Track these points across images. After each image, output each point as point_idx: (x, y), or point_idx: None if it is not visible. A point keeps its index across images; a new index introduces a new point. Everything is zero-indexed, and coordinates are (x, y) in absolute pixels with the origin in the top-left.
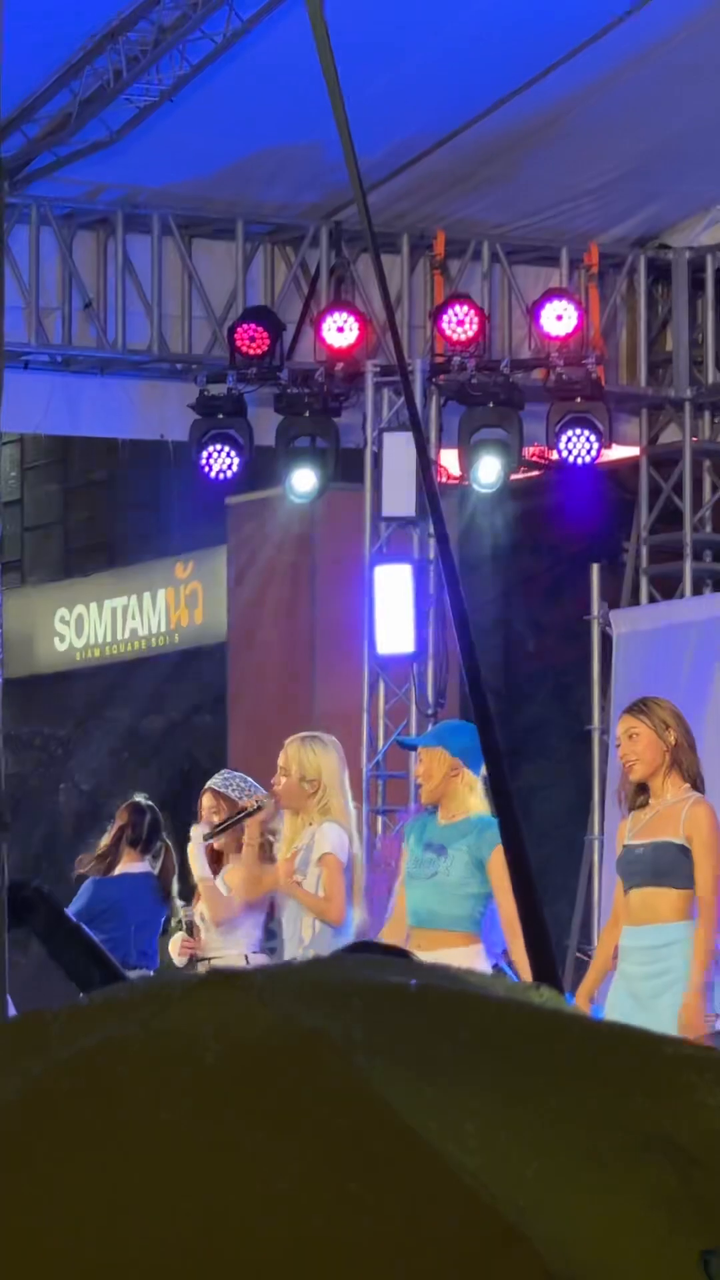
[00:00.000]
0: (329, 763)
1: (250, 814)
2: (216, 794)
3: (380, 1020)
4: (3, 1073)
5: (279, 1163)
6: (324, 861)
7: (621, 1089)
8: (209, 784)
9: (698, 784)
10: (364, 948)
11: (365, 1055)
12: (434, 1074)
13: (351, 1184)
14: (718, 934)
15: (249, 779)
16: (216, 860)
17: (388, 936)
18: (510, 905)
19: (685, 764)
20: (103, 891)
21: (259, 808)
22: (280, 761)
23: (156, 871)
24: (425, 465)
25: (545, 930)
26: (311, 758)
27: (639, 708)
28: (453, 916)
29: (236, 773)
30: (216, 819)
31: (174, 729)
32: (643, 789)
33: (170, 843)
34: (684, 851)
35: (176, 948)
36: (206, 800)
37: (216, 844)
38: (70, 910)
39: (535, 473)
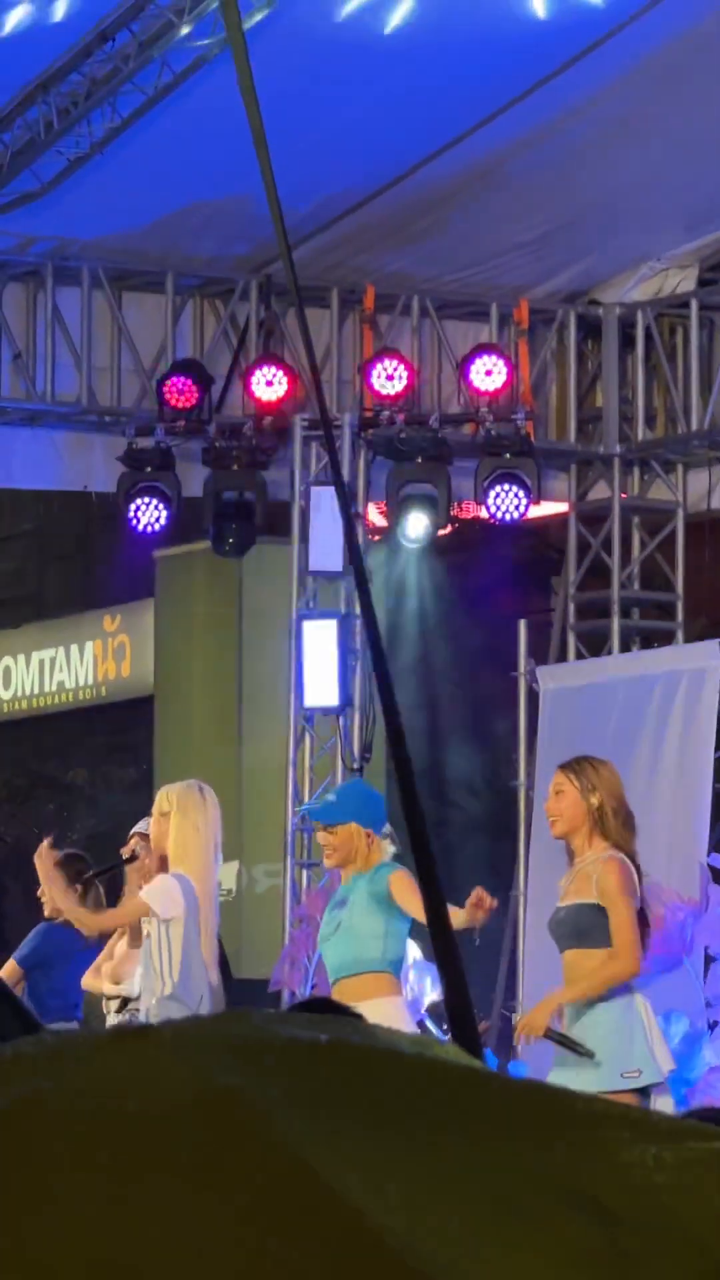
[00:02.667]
0: (184, 798)
1: (128, 861)
2: (144, 837)
3: (294, 1076)
4: None
5: (200, 1221)
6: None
7: (540, 1144)
8: (136, 828)
9: (622, 848)
10: (318, 1006)
11: (282, 1112)
12: (351, 1131)
13: (273, 1244)
14: (635, 974)
15: None
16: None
17: None
18: (417, 907)
19: (609, 828)
20: (55, 936)
21: (134, 856)
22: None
23: None
24: (348, 523)
25: (464, 986)
26: (170, 793)
27: (572, 766)
28: (361, 959)
29: None
30: (148, 862)
31: (100, 781)
32: (570, 849)
33: (101, 887)
34: (600, 911)
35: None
36: (134, 843)
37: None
38: (21, 955)
39: (463, 528)
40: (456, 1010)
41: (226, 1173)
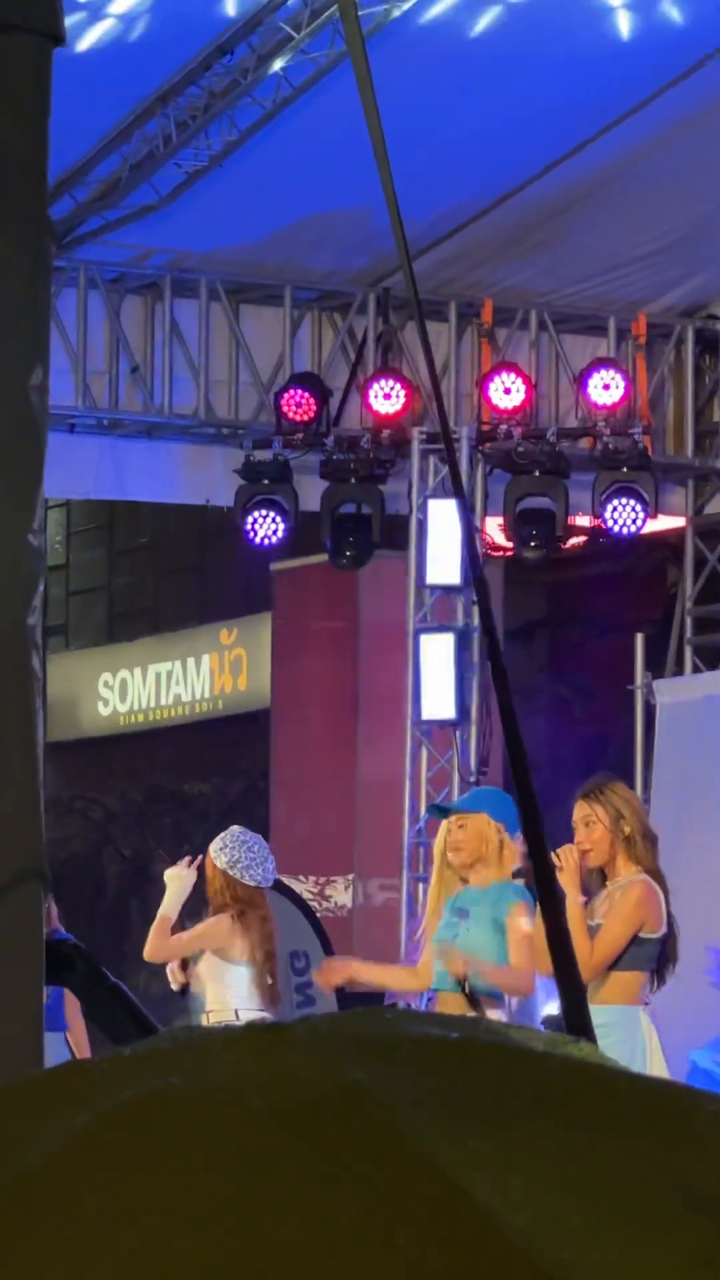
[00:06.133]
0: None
1: None
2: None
3: (423, 1073)
4: (44, 1125)
5: (326, 1216)
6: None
7: (665, 1145)
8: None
9: (650, 871)
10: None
11: (409, 1108)
12: (478, 1128)
13: (398, 1239)
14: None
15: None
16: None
17: (395, 976)
18: (518, 958)
19: (638, 852)
20: None
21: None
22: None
23: None
24: (469, 534)
25: (581, 991)
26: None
27: (595, 795)
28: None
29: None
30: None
31: (217, 794)
32: (600, 873)
33: None
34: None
35: (171, 972)
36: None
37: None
38: None
39: (580, 541)
40: (573, 1021)
41: (353, 1168)
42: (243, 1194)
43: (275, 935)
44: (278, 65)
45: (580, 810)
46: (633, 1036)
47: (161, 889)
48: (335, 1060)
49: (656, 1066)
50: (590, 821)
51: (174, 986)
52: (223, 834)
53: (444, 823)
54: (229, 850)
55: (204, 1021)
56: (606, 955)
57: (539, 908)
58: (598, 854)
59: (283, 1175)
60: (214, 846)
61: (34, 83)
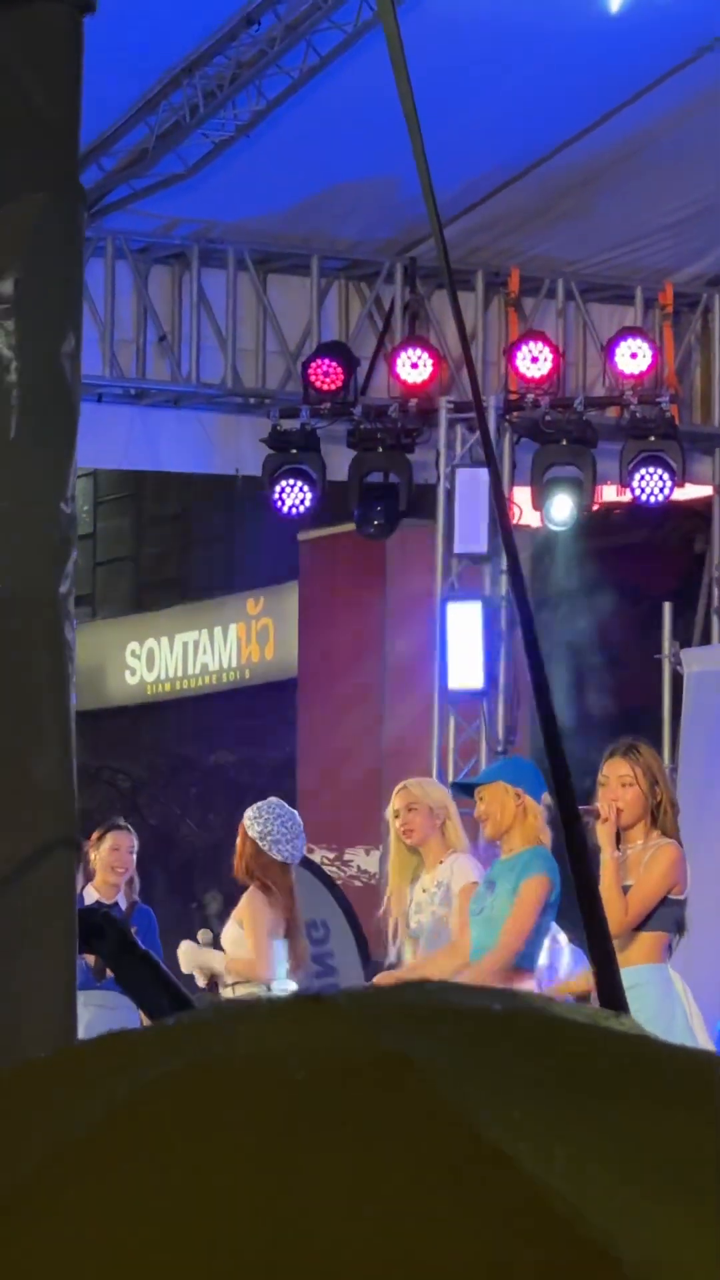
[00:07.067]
0: (446, 795)
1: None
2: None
3: (466, 1043)
4: (86, 1095)
5: (368, 1184)
6: (465, 891)
7: (710, 1118)
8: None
9: (670, 834)
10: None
11: (452, 1078)
12: (522, 1098)
13: (441, 1206)
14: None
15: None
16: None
17: (438, 963)
18: (513, 926)
19: (666, 820)
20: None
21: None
22: (402, 802)
23: None
24: (500, 502)
25: (613, 962)
26: (434, 791)
27: (634, 756)
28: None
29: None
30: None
31: (243, 764)
32: (618, 834)
33: None
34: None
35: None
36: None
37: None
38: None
39: (608, 509)
40: (605, 988)
41: (396, 1137)
42: (285, 1163)
43: (298, 909)
44: (305, 35)
45: (617, 768)
46: (669, 992)
47: (185, 856)
48: (378, 1030)
49: (696, 1020)
50: (627, 782)
51: (190, 970)
52: (259, 803)
53: (395, 797)
54: (262, 820)
55: (230, 993)
56: (639, 914)
57: (575, 881)
58: (629, 815)
59: (325, 1144)
60: (248, 815)
61: (66, 50)
